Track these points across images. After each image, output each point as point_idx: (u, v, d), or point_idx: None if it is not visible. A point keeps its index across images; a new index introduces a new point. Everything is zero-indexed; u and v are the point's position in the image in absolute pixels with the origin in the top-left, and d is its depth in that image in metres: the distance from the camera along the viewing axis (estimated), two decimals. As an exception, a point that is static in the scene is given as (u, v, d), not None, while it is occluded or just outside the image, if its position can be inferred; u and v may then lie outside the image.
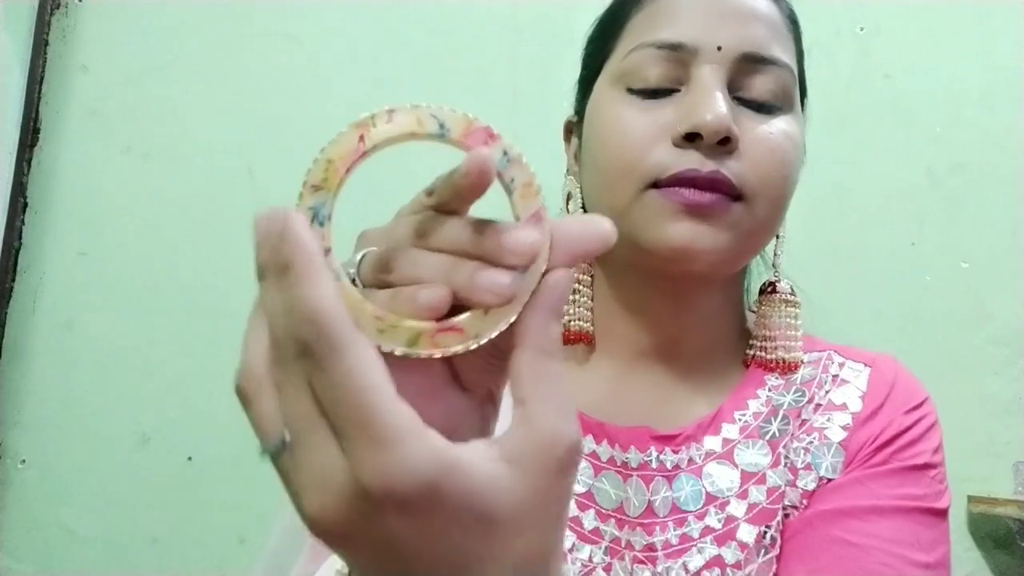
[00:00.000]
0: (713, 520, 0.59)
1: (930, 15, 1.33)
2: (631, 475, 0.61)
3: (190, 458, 1.23)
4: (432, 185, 0.34)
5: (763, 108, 0.60)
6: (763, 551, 0.58)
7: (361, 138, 0.32)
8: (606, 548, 0.59)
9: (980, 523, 1.22)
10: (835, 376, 0.65)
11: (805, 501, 0.60)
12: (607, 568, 0.59)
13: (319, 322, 0.29)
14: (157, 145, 1.29)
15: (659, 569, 0.58)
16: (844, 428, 0.62)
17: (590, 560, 0.59)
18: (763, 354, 0.65)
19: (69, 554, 1.21)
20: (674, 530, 0.59)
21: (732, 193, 0.57)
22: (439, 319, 0.32)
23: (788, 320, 0.66)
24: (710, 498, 0.60)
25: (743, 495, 0.60)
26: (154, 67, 1.31)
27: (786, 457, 0.61)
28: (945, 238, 1.29)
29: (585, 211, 0.65)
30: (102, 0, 1.32)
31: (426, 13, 1.32)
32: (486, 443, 0.31)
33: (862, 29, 1.33)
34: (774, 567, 0.58)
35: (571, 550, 0.59)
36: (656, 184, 0.58)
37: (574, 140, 0.69)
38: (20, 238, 1.27)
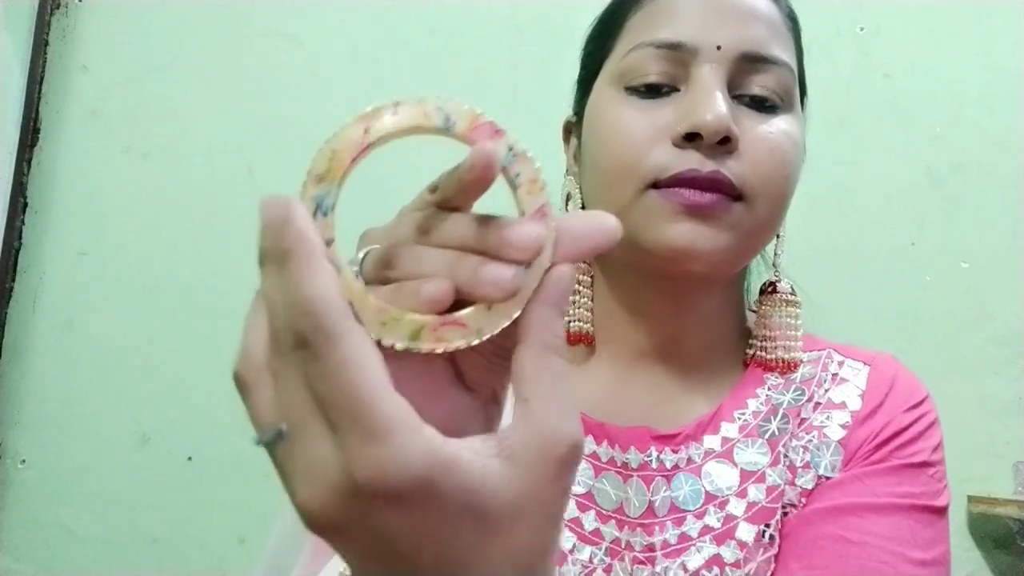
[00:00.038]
0: (712, 519, 0.59)
1: (930, 15, 1.33)
2: (631, 475, 0.61)
3: (190, 458, 1.23)
4: (436, 181, 0.34)
5: (763, 108, 0.60)
6: (762, 550, 0.58)
7: (366, 130, 0.32)
8: (606, 549, 0.59)
9: (980, 523, 1.22)
10: (835, 375, 0.65)
11: (804, 500, 0.60)
12: (607, 569, 0.59)
13: (315, 312, 0.29)
14: (157, 145, 1.29)
15: (658, 569, 0.58)
16: (843, 426, 0.62)
17: (590, 561, 0.59)
18: (763, 354, 0.65)
19: (69, 554, 1.21)
20: (673, 529, 0.59)
21: (732, 193, 0.57)
22: (442, 314, 0.32)
23: (788, 320, 0.66)
24: (709, 497, 0.60)
25: (742, 494, 0.60)
26: (154, 67, 1.31)
27: (785, 456, 0.61)
28: (945, 238, 1.29)
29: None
30: (102, 0, 1.32)
31: (426, 13, 1.32)
32: (482, 438, 0.31)
33: (862, 29, 1.33)
34: (773, 566, 0.58)
35: (571, 551, 0.59)
36: (656, 184, 0.57)
37: (573, 140, 0.69)
38: (20, 238, 1.27)
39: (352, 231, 0.36)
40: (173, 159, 1.29)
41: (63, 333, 1.25)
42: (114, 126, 1.30)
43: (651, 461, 0.61)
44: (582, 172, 0.66)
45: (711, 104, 0.56)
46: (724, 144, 0.57)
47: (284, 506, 0.32)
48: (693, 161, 0.57)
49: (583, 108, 0.66)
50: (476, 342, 0.32)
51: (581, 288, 0.65)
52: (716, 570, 0.58)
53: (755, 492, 0.60)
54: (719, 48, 0.58)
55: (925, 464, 0.60)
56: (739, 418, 0.63)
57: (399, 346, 0.31)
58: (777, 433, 0.62)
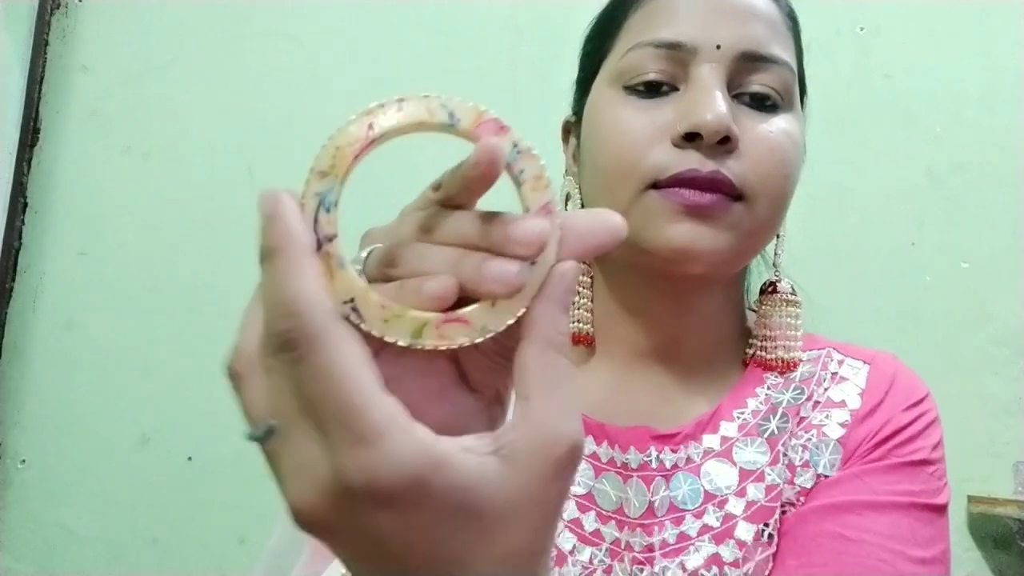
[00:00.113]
0: (711, 518, 0.59)
1: (930, 15, 1.33)
2: (631, 476, 0.61)
3: (190, 458, 1.23)
4: (439, 179, 0.34)
5: (763, 107, 0.59)
6: (761, 549, 0.58)
7: (370, 126, 0.32)
8: (607, 550, 0.59)
9: (980, 523, 1.22)
10: (834, 374, 0.65)
11: (803, 499, 0.60)
12: (607, 570, 0.59)
13: (298, 313, 0.28)
14: (157, 145, 1.29)
15: (656, 569, 0.58)
16: (842, 425, 0.61)
17: (590, 562, 0.59)
18: (763, 353, 0.65)
19: (69, 554, 1.21)
20: (672, 529, 0.59)
21: (732, 193, 0.57)
22: (445, 312, 0.31)
23: (788, 320, 0.65)
24: (708, 496, 0.60)
25: (741, 493, 0.60)
26: (154, 67, 1.31)
27: (784, 455, 0.61)
28: (945, 238, 1.29)
29: (585, 211, 0.65)
30: (102, 0, 1.32)
31: (426, 13, 1.32)
32: (476, 436, 0.30)
33: (862, 29, 1.33)
34: (771, 565, 0.58)
35: (572, 552, 0.59)
36: (656, 185, 0.57)
37: (572, 140, 0.69)
38: (20, 238, 1.27)
39: (355, 228, 0.36)
40: (173, 159, 1.29)
41: (63, 333, 1.25)
42: (114, 126, 1.30)
43: (651, 461, 0.61)
44: (581, 172, 0.66)
45: (711, 104, 0.56)
46: (724, 144, 0.57)
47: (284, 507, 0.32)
48: (693, 161, 0.57)
49: (582, 108, 0.66)
50: (480, 339, 0.31)
51: (581, 289, 0.65)
52: (715, 569, 0.57)
53: (754, 491, 0.60)
54: (718, 47, 0.58)
55: (925, 462, 0.60)
56: (738, 417, 0.63)
57: (401, 343, 0.31)
58: (776, 432, 0.62)
